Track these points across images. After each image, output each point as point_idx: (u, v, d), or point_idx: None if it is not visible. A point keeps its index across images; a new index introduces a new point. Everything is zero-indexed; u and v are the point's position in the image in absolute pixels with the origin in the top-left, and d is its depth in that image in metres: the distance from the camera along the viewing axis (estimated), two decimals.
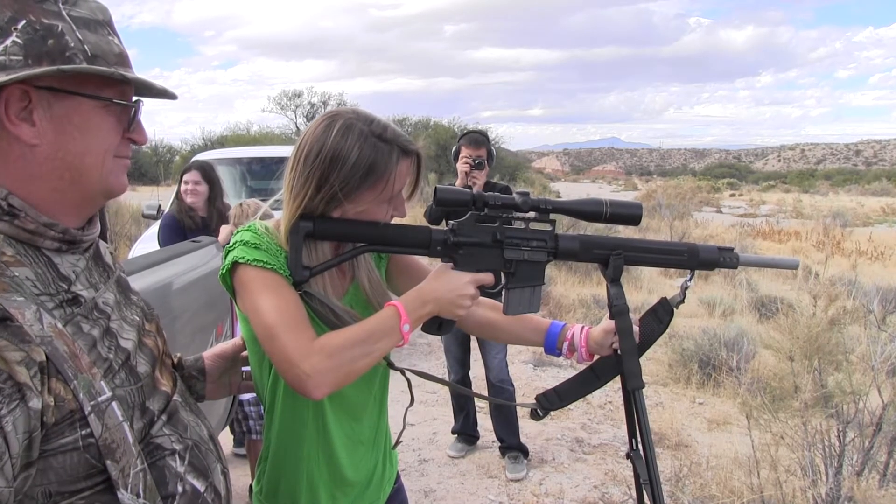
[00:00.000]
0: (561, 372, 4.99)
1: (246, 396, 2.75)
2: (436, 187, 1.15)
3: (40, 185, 0.78)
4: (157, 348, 0.94)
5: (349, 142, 1.09)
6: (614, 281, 1.24)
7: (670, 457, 3.43)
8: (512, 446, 3.46)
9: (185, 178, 3.62)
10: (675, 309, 1.30)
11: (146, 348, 0.90)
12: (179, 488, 0.84)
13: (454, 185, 3.08)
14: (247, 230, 1.13)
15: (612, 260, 1.23)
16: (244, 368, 1.23)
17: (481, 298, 1.21)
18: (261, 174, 6.00)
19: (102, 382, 0.76)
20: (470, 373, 3.66)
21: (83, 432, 0.72)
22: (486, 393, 3.49)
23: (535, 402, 1.33)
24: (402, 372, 1.26)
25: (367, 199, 1.12)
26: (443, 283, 1.13)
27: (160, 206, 4.98)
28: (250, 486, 1.34)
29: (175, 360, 1.11)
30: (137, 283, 1.55)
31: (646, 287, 8.17)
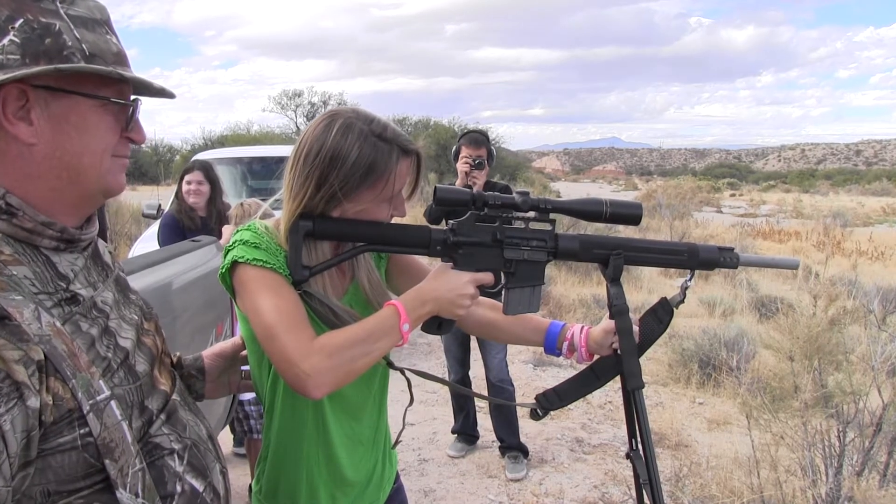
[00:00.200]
0: (561, 372, 4.99)
1: (247, 396, 2.75)
2: (435, 187, 1.14)
3: (38, 184, 0.78)
4: (156, 347, 0.94)
5: (349, 141, 1.09)
6: (614, 281, 1.24)
7: (670, 457, 3.43)
8: (512, 446, 3.46)
9: (187, 178, 3.61)
10: (675, 309, 1.30)
11: (145, 347, 0.90)
12: (178, 488, 0.84)
13: (454, 184, 3.08)
14: (246, 229, 1.13)
15: (612, 260, 1.23)
16: (243, 368, 1.23)
17: (481, 298, 1.20)
18: (261, 174, 6.01)
19: (101, 381, 0.75)
20: (470, 372, 3.66)
21: (82, 431, 0.72)
22: (486, 393, 3.49)
23: (534, 402, 1.32)
24: (402, 371, 1.26)
25: (366, 199, 1.12)
26: (442, 282, 1.12)
27: (160, 205, 4.98)
28: (250, 486, 1.34)
29: (174, 360, 1.11)
30: (137, 282, 1.55)
31: (646, 287, 8.17)
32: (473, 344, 3.59)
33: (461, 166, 3.27)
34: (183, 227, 3.53)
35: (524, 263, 1.19)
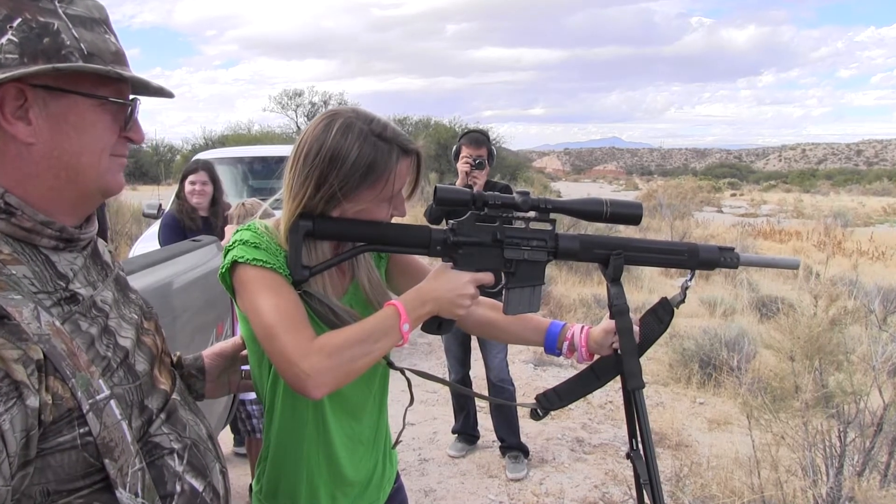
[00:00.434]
0: (561, 372, 4.99)
1: (249, 396, 2.75)
2: (436, 187, 1.14)
3: (37, 183, 0.78)
4: (156, 347, 0.94)
5: (349, 141, 1.09)
6: (615, 281, 1.23)
7: (671, 457, 3.43)
8: (512, 446, 3.45)
9: (191, 178, 3.59)
10: (675, 309, 1.30)
11: (145, 347, 0.90)
12: (178, 487, 0.84)
13: (455, 184, 3.08)
14: (246, 229, 1.13)
15: (613, 260, 1.23)
16: (244, 368, 1.23)
17: (481, 298, 1.20)
18: (262, 173, 6.01)
19: (101, 381, 0.75)
20: (470, 372, 3.66)
21: (81, 431, 0.72)
22: (486, 393, 3.49)
23: (535, 401, 1.32)
24: (402, 371, 1.26)
25: (366, 199, 1.12)
26: (442, 282, 1.12)
27: (161, 205, 4.98)
28: (250, 486, 1.34)
29: (174, 359, 1.11)
30: (138, 282, 1.55)
31: (646, 287, 8.17)
32: (474, 344, 3.59)
33: (461, 166, 3.27)
34: (184, 228, 3.53)
35: (524, 263, 1.19)
